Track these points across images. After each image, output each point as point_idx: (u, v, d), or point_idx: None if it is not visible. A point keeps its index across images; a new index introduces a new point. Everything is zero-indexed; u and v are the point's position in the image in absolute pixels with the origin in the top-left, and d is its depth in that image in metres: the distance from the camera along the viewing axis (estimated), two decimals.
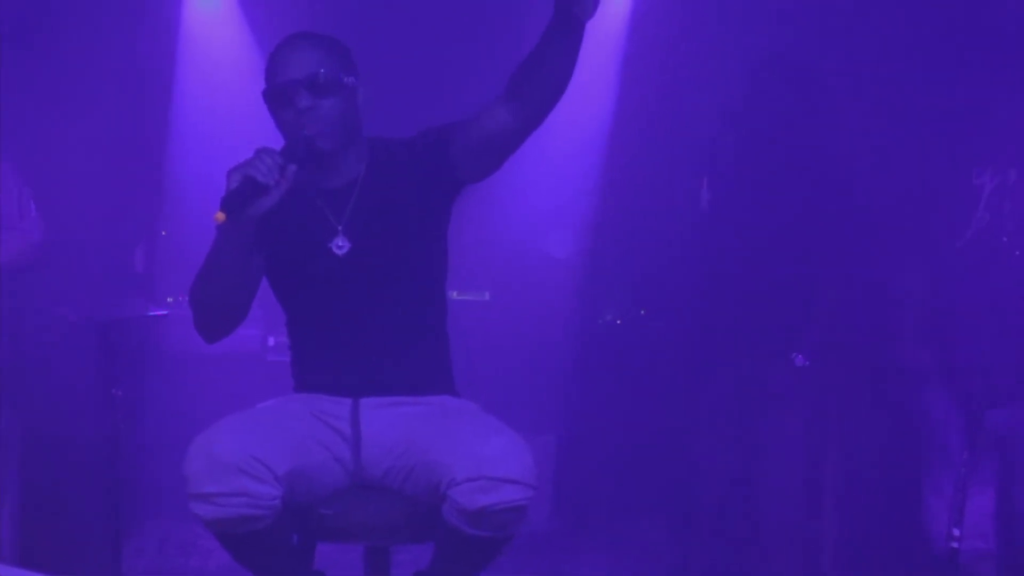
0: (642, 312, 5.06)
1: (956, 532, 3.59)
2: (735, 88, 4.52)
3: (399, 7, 5.57)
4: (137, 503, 4.84)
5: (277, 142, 2.89)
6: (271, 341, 5.25)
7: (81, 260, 4.68)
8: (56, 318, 4.07)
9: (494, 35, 5.24)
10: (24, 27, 4.79)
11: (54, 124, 4.91)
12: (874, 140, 4.55)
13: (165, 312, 4.42)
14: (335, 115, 2.88)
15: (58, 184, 4.80)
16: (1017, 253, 3.61)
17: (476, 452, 2.63)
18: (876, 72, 4.57)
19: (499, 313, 5.54)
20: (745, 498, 4.32)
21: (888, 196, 4.27)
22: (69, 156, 4.85)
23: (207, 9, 5.51)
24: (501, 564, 4.66)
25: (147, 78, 5.39)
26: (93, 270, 4.77)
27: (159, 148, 5.44)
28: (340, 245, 2.94)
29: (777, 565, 4.33)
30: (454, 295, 5.56)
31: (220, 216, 2.65)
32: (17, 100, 4.62)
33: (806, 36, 4.89)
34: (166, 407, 4.94)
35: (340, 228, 2.94)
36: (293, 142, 2.83)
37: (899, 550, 4.22)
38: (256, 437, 2.71)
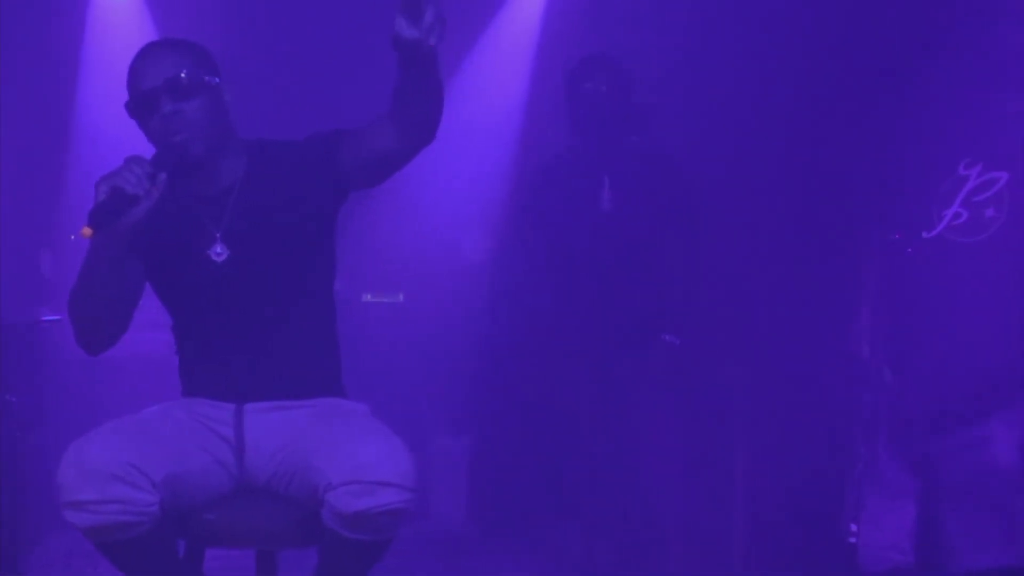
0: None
1: (854, 527, 3.61)
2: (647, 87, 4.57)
3: (298, 6, 5.54)
4: (43, 512, 4.74)
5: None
6: None
7: None
8: None
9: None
10: None
11: None
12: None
13: (59, 317, 4.33)
14: (202, 117, 2.82)
15: None
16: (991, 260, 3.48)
17: (352, 456, 2.61)
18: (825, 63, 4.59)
19: (413, 315, 5.51)
20: (636, 493, 4.35)
21: (811, 183, 4.32)
22: None
23: (113, 6, 5.44)
24: (414, 566, 4.67)
25: (51, 77, 5.31)
26: None
27: (64, 150, 5.36)
28: (219, 252, 2.89)
29: (680, 561, 4.34)
30: (367, 297, 5.53)
31: (87, 231, 2.59)
32: None
33: (725, 34, 4.92)
34: (71, 414, 4.85)
35: (218, 235, 2.90)
36: (163, 149, 2.78)
37: (810, 548, 4.24)
38: (132, 443, 2.67)
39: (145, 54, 2.88)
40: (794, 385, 4.38)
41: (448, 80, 5.66)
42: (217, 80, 2.88)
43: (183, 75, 2.80)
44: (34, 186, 5.16)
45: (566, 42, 5.35)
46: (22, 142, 5.13)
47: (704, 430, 4.49)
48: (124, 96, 2.87)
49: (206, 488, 2.83)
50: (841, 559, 3.87)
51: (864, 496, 3.65)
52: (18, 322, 4.17)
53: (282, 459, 2.82)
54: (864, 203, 3.86)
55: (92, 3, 5.41)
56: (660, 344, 4.28)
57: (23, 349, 4.25)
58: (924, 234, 3.51)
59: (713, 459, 4.53)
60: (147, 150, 2.79)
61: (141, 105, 2.82)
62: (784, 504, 4.41)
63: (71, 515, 2.63)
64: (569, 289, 4.40)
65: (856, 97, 4.27)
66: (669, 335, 4.27)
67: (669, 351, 4.27)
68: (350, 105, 5.46)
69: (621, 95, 4.31)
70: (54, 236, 5.26)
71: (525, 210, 4.60)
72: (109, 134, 5.11)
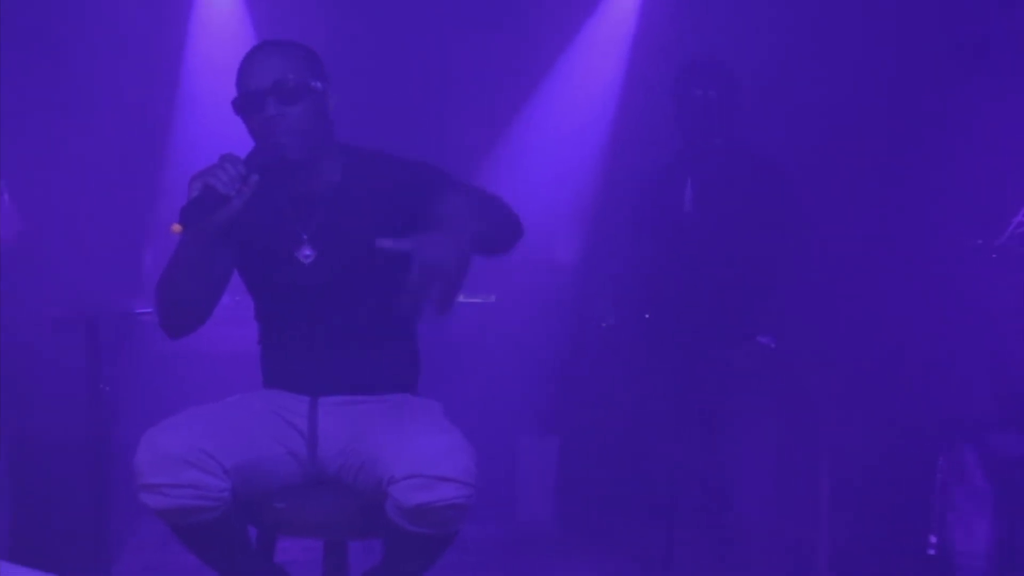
0: (646, 316, 5.05)
1: (933, 539, 3.54)
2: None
3: (398, 12, 5.61)
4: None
5: None
6: None
7: (80, 257, 4.73)
8: (44, 314, 4.08)
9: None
10: (28, 20, 4.85)
11: (59, 121, 4.98)
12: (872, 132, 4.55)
13: (151, 309, 4.44)
14: (303, 122, 2.85)
15: (59, 182, 4.86)
16: None
17: (415, 450, 2.64)
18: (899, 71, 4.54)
19: (505, 315, 5.53)
20: (723, 496, 4.32)
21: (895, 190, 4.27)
22: (69, 155, 4.91)
23: (216, 10, 5.56)
24: (500, 565, 4.69)
25: (155, 74, 5.43)
26: (94, 268, 4.80)
27: (164, 149, 5.48)
28: (306, 254, 2.95)
29: (761, 566, 4.30)
30: (460, 298, 5.55)
31: (176, 228, 2.66)
32: (21, 95, 4.68)
33: (813, 35, 4.88)
34: (166, 405, 4.95)
35: (306, 237, 2.95)
36: (259, 150, 2.82)
37: (894, 557, 4.17)
38: (206, 430, 2.74)
39: (256, 54, 2.92)
40: (882, 389, 4.32)
41: (542, 80, 5.77)
42: (322, 85, 2.91)
43: (290, 79, 2.84)
44: (136, 183, 5.28)
45: (660, 43, 5.35)
46: (126, 140, 5.26)
47: (794, 433, 4.44)
48: (223, 98, 2.92)
49: (277, 477, 2.88)
50: (924, 569, 3.81)
51: (947, 504, 3.58)
52: (115, 313, 4.28)
53: (351, 451, 2.87)
54: (956, 209, 3.81)
55: (195, 6, 5.54)
56: (755, 346, 4.24)
57: (118, 340, 4.36)
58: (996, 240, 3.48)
59: (801, 463, 4.48)
60: (242, 150, 2.83)
61: (246, 104, 2.87)
62: (869, 509, 4.35)
63: (146, 497, 2.72)
64: (659, 290, 4.40)
65: (948, 100, 4.22)
66: (765, 337, 4.23)
67: (764, 353, 4.23)
68: (447, 108, 5.58)
69: (730, 101, 4.30)
70: (155, 231, 5.38)
71: (633, 212, 4.62)
72: (208, 134, 5.25)
